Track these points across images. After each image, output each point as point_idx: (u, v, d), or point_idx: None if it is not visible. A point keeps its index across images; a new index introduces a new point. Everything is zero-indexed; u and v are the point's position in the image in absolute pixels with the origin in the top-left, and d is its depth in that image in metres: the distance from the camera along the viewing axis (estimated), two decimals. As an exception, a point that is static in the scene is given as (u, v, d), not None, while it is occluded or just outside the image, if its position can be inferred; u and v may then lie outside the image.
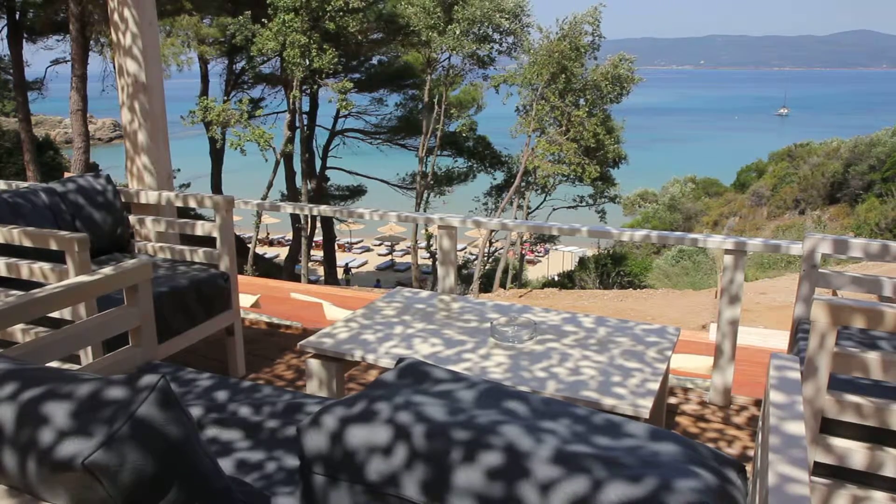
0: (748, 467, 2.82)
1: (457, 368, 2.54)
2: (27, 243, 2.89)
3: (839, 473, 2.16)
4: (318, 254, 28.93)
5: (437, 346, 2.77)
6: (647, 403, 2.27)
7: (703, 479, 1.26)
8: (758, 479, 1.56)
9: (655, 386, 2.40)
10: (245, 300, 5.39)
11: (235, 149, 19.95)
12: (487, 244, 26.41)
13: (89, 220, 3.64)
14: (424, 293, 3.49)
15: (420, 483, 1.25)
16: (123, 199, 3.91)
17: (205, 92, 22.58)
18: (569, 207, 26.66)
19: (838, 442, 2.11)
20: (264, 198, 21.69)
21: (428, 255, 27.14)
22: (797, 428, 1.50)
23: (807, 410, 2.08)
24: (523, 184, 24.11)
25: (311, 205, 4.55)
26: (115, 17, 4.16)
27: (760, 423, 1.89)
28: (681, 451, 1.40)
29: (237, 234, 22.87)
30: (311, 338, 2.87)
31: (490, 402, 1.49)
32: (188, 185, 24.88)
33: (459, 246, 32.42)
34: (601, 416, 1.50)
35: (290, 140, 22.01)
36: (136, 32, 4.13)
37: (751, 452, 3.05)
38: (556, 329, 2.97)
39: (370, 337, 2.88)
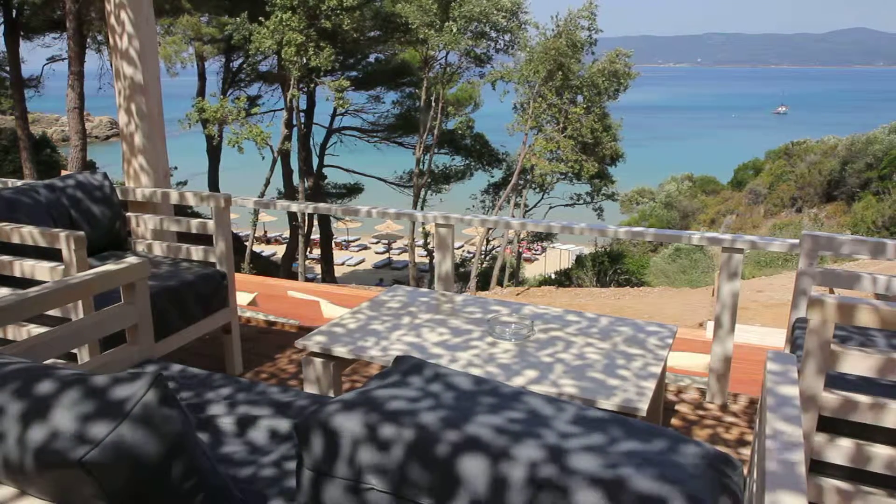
0: (745, 465, 2.83)
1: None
2: (24, 241, 2.88)
3: (835, 470, 2.17)
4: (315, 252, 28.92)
5: (442, 339, 2.77)
6: (643, 401, 2.28)
7: (699, 476, 1.27)
8: (755, 477, 1.56)
9: (652, 384, 2.41)
10: (242, 298, 5.39)
11: (233, 146, 19.92)
12: (484, 242, 26.42)
13: (86, 218, 3.63)
14: (422, 290, 3.49)
15: (412, 482, 1.25)
16: (120, 197, 3.90)
17: (202, 90, 22.55)
18: (566, 205, 26.68)
19: (835, 439, 2.11)
20: (261, 196, 21.66)
21: (425, 253, 27.15)
22: (794, 425, 1.50)
23: (803, 408, 2.08)
24: (521, 182, 24.11)
25: (308, 203, 4.54)
26: (112, 19, 4.16)
27: (757, 420, 1.89)
28: (677, 448, 1.40)
29: (234, 231, 22.84)
30: (309, 335, 2.87)
31: (483, 404, 1.48)
32: (185, 183, 24.84)
33: (457, 244, 32.44)
34: (595, 415, 1.50)
35: (288, 138, 21.99)
36: (133, 34, 4.12)
37: (747, 450, 3.06)
38: (551, 328, 2.97)
39: (368, 334, 2.88)
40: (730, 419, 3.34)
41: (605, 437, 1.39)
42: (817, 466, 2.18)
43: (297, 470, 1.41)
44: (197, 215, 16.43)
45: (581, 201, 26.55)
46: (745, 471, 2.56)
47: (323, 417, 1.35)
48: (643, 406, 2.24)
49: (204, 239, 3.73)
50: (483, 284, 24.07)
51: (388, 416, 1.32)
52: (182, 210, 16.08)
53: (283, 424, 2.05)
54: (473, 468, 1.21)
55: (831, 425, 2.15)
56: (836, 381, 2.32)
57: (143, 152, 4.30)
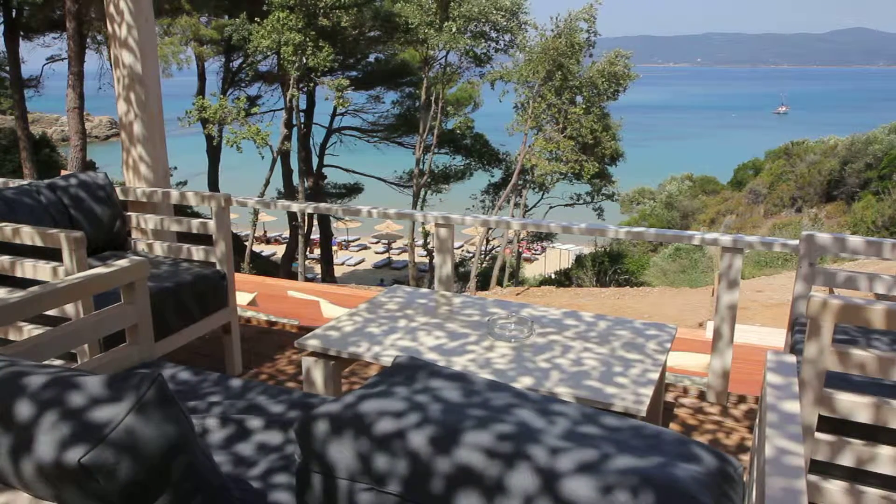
0: (744, 465, 2.83)
1: (461, 360, 2.55)
2: (24, 241, 2.88)
3: (835, 470, 2.17)
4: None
5: (438, 343, 2.77)
6: (643, 401, 2.28)
7: (699, 476, 1.27)
8: (754, 477, 1.56)
9: (650, 390, 2.40)
10: (242, 298, 5.39)
11: (231, 146, 19.92)
12: (484, 242, 26.42)
13: (86, 217, 3.63)
14: (421, 291, 3.49)
15: (410, 482, 1.25)
16: (121, 197, 3.90)
17: (202, 90, 22.54)
18: (566, 205, 26.67)
19: (834, 439, 2.11)
20: (261, 195, 21.66)
21: (425, 252, 27.15)
22: (794, 425, 1.50)
23: (803, 408, 2.08)
24: (521, 182, 24.11)
25: (308, 202, 4.54)
26: (111, 8, 4.17)
27: (757, 420, 1.89)
28: (676, 448, 1.40)
29: (234, 231, 22.83)
30: (308, 336, 2.87)
31: (484, 407, 1.48)
32: (185, 183, 24.84)
33: (457, 244, 32.39)
34: (595, 415, 1.50)
35: (287, 138, 21.99)
36: (132, 23, 4.13)
37: (747, 451, 3.06)
38: (549, 331, 2.97)
39: (366, 335, 2.88)
40: (729, 419, 3.34)
41: (601, 436, 1.39)
42: (817, 466, 2.18)
43: (295, 470, 1.41)
44: (197, 215, 16.42)
45: (581, 201, 26.54)
46: (745, 470, 2.56)
47: (320, 418, 1.35)
48: (641, 413, 2.24)
49: (204, 239, 3.73)
50: (483, 284, 24.07)
51: (384, 418, 1.32)
52: (182, 210, 16.07)
53: (282, 425, 2.05)
54: (462, 474, 1.21)
55: (830, 425, 2.15)
56: (836, 380, 2.32)
57: (142, 141, 4.30)
